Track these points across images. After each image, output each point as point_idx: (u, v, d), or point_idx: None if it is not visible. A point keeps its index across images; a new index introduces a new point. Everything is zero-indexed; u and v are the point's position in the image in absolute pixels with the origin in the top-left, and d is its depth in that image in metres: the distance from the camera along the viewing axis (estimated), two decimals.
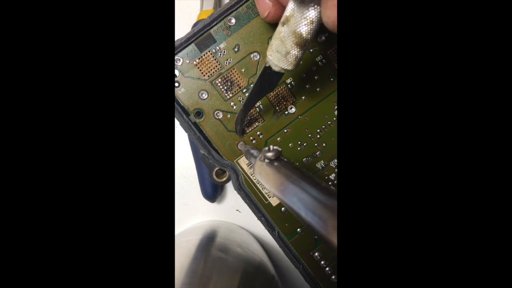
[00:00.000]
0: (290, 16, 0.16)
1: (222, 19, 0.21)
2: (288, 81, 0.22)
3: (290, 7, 0.16)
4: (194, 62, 0.21)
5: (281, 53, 0.17)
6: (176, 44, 0.21)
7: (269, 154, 0.17)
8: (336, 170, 0.23)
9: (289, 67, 0.17)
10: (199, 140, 0.22)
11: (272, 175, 0.16)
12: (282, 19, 0.16)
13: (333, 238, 0.11)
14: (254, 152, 0.20)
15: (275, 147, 0.17)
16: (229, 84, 0.22)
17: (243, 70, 0.21)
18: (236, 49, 0.21)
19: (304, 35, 0.16)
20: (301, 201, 0.13)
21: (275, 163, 0.16)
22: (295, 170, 0.15)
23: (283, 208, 0.23)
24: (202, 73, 0.21)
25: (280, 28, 0.17)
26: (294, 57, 0.17)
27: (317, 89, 0.22)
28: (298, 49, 0.17)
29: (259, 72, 0.22)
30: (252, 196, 0.23)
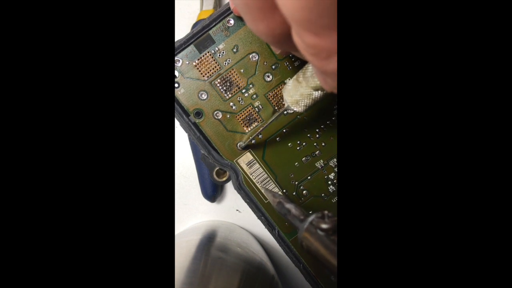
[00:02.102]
0: (312, 75, 0.16)
1: (221, 20, 0.21)
2: (287, 81, 0.22)
3: (312, 67, 0.16)
4: (194, 63, 0.21)
5: (299, 104, 0.18)
6: (176, 45, 0.21)
7: (326, 227, 0.14)
8: (335, 169, 0.24)
9: (302, 110, 0.19)
10: (199, 140, 0.22)
11: (330, 251, 0.13)
12: (306, 73, 0.17)
13: None
14: (292, 208, 0.17)
15: (330, 215, 0.14)
16: (228, 84, 0.22)
17: (242, 70, 0.22)
18: (235, 50, 0.21)
19: (325, 91, 0.17)
20: None
21: (333, 237, 0.14)
22: None
23: None
24: (202, 73, 0.21)
25: (301, 80, 0.17)
26: (309, 105, 0.18)
27: None
28: (314, 101, 0.18)
29: (257, 73, 0.22)
30: (252, 196, 0.23)
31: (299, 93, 0.17)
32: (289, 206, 0.17)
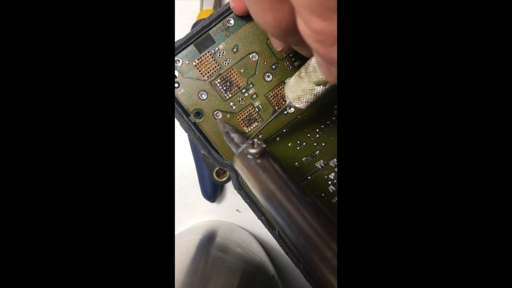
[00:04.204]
0: (315, 70, 0.16)
1: (221, 20, 0.21)
2: (287, 80, 0.22)
3: (314, 62, 0.16)
4: (194, 63, 0.21)
5: (301, 100, 0.18)
6: (176, 45, 0.21)
7: (253, 151, 0.16)
8: (335, 169, 0.24)
9: (304, 107, 0.18)
10: (199, 140, 0.22)
11: (256, 175, 0.15)
12: (308, 68, 0.17)
13: (316, 266, 0.11)
14: (235, 137, 0.19)
15: (259, 142, 0.16)
16: (228, 84, 0.22)
17: (242, 70, 0.22)
18: (235, 50, 0.21)
19: (327, 86, 0.17)
20: (288, 217, 0.13)
21: (259, 161, 0.16)
22: (281, 175, 0.15)
23: None
24: (202, 73, 0.21)
25: (303, 75, 0.17)
26: (310, 101, 0.18)
27: None
28: (316, 97, 0.18)
29: (257, 72, 0.22)
30: (252, 196, 0.23)
31: (301, 88, 0.17)
32: (233, 135, 0.19)
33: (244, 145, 0.17)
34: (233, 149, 0.19)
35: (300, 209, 0.13)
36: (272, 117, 0.21)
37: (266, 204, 0.14)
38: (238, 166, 0.17)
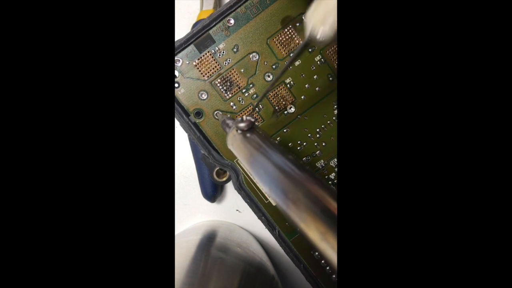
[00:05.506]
0: None
1: (221, 19, 0.21)
2: (287, 80, 0.22)
3: None
4: (194, 63, 0.21)
5: (327, 21, 0.13)
6: (176, 45, 0.21)
7: (242, 125, 0.16)
8: (336, 169, 0.23)
9: (331, 34, 0.14)
10: (199, 140, 0.22)
11: (243, 147, 0.16)
12: None
13: (291, 212, 0.11)
14: (230, 122, 0.20)
15: (248, 118, 0.17)
16: (229, 84, 0.22)
17: (242, 70, 0.22)
18: (235, 50, 0.21)
19: None
20: (267, 173, 0.13)
21: (248, 134, 0.16)
22: (265, 141, 0.15)
23: None
24: (202, 73, 0.21)
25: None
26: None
27: (316, 89, 0.22)
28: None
29: (258, 72, 0.22)
30: (252, 196, 0.23)
31: (324, 10, 0.13)
32: (228, 121, 0.19)
33: (234, 122, 0.18)
34: (227, 133, 0.19)
35: (279, 164, 0.13)
36: (273, 81, 0.19)
37: (250, 169, 0.15)
38: (229, 141, 0.18)
